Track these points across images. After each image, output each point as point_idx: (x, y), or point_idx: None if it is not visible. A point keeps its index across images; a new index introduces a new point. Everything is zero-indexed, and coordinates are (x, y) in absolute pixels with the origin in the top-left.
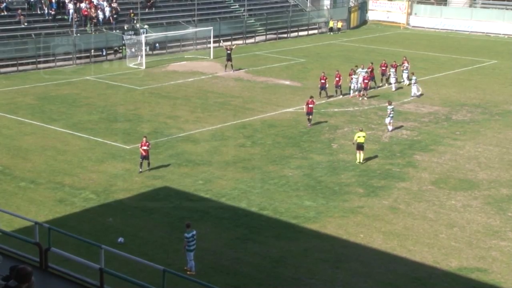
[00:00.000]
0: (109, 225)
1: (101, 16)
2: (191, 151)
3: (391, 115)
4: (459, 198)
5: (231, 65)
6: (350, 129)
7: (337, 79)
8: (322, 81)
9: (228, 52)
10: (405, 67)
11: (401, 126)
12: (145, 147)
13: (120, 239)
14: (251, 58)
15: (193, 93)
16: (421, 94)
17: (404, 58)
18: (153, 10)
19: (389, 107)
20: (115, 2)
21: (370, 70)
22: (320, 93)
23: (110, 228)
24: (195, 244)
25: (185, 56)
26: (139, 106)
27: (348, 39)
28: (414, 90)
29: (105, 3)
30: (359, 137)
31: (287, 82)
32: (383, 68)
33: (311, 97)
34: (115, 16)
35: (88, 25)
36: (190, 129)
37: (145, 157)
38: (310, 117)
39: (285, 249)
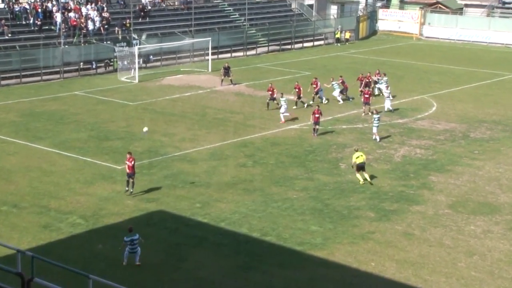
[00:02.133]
0: (98, 252)
1: (91, 26)
2: (188, 172)
3: (375, 124)
4: (479, 223)
5: (231, 80)
6: (360, 147)
7: (314, 85)
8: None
9: (226, 70)
10: (382, 80)
11: (408, 143)
12: (128, 163)
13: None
14: (252, 71)
15: (190, 108)
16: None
17: (377, 71)
18: (147, 20)
19: (375, 115)
20: (106, 11)
21: (341, 82)
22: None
23: (99, 256)
24: (137, 249)
25: (181, 69)
26: (132, 123)
27: (356, 50)
28: (388, 104)
29: (95, 13)
30: (357, 157)
31: (291, 97)
32: (362, 80)
33: (318, 106)
34: (106, 26)
35: (77, 36)
36: (186, 148)
37: (130, 175)
38: (317, 127)
39: (289, 278)
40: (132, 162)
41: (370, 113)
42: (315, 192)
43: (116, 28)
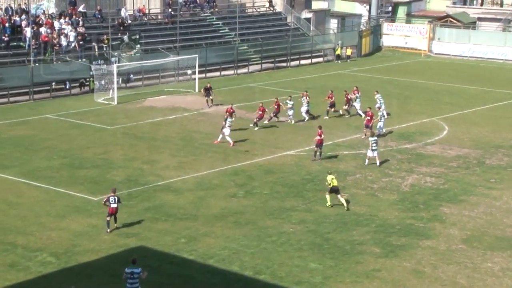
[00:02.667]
0: None
1: (64, 42)
2: (172, 203)
3: (373, 147)
4: (496, 260)
5: (211, 100)
6: (363, 175)
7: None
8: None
9: (207, 90)
10: (355, 97)
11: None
12: (113, 205)
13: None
14: (244, 91)
15: (175, 133)
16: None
17: (355, 88)
18: (127, 35)
19: (372, 138)
20: (82, 26)
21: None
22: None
23: None
24: (136, 285)
25: (165, 89)
26: (110, 149)
27: (359, 68)
28: (381, 124)
29: (69, 27)
30: (332, 179)
31: (288, 120)
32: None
33: (320, 127)
34: (81, 42)
35: (49, 53)
36: (170, 177)
37: (113, 214)
38: (320, 150)
39: None
40: (117, 202)
41: (364, 136)
42: (314, 225)
43: (93, 44)
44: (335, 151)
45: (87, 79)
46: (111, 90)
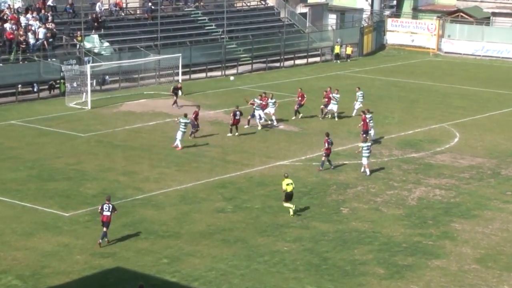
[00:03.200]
0: None
1: (32, 40)
2: (153, 219)
3: (365, 154)
4: None
5: (176, 101)
6: (365, 187)
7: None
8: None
9: (176, 90)
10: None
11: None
12: (106, 213)
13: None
14: (232, 95)
15: (156, 141)
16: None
17: (329, 88)
18: (102, 31)
19: (364, 144)
20: (51, 22)
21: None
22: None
23: None
24: None
25: (145, 93)
26: (83, 159)
27: (360, 69)
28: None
29: (37, 23)
30: (287, 185)
31: (281, 127)
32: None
33: (327, 134)
34: (50, 40)
35: (15, 53)
36: (151, 190)
37: (105, 223)
38: (324, 158)
39: None
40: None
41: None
42: (311, 244)
43: (64, 38)
44: (334, 161)
45: (57, 81)
46: (84, 93)
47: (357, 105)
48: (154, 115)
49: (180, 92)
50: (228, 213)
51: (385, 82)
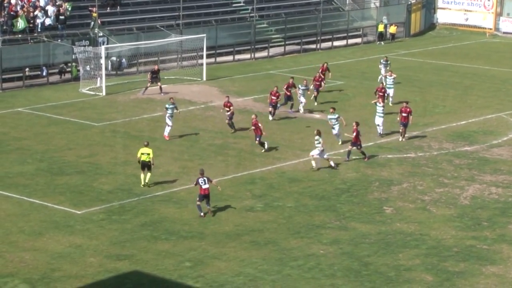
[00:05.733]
0: None
1: (40, 18)
2: (174, 218)
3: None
4: None
5: (160, 87)
6: (412, 184)
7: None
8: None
9: (154, 75)
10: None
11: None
12: (205, 186)
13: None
14: (262, 80)
15: (178, 131)
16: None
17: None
18: (118, 9)
19: (331, 116)
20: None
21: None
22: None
23: None
24: None
25: (165, 77)
26: (97, 151)
27: (407, 51)
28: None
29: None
30: (142, 154)
31: (318, 116)
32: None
33: (357, 124)
34: (61, 17)
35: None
36: (173, 186)
37: (205, 197)
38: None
39: None
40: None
41: (403, 139)
42: (350, 247)
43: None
44: (376, 155)
45: (69, 65)
46: (98, 78)
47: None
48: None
49: (159, 77)
50: (258, 212)
51: (435, 66)
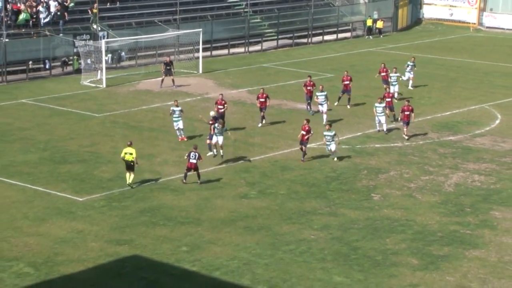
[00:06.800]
0: None
1: (43, 14)
2: (172, 205)
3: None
4: None
5: (172, 80)
6: (398, 172)
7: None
8: (346, 82)
9: (168, 67)
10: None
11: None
12: (193, 160)
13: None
14: (256, 73)
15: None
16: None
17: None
18: (117, 5)
19: (328, 133)
20: None
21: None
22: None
23: None
24: None
25: (163, 70)
26: (98, 140)
27: (394, 45)
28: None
29: None
30: (126, 153)
31: (309, 107)
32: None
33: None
34: (58, 13)
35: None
36: (170, 173)
37: (191, 169)
38: (304, 148)
39: None
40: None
41: (406, 137)
42: (339, 232)
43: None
44: (365, 144)
45: (70, 58)
46: (99, 71)
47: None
48: (173, 94)
49: (173, 69)
50: (252, 199)
51: (421, 60)
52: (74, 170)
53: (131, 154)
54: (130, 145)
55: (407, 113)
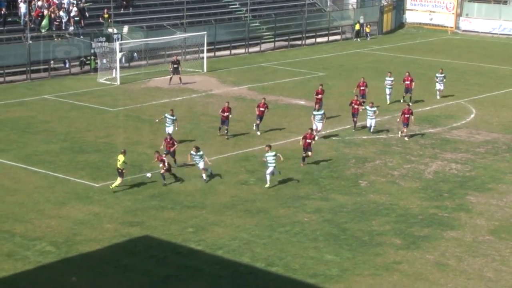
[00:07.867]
0: (72, 286)
1: (64, 18)
2: (179, 190)
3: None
4: None
5: (179, 78)
6: (383, 161)
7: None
8: (362, 88)
9: (176, 67)
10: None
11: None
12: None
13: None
14: (255, 71)
15: (182, 116)
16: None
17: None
18: (130, 10)
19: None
20: (82, 1)
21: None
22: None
23: None
24: None
25: (171, 69)
26: (112, 132)
27: (380, 46)
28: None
29: (68, 1)
30: (118, 160)
31: (302, 102)
32: (407, 82)
33: (311, 129)
34: (76, 18)
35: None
36: (178, 162)
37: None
38: (309, 153)
39: None
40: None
41: (406, 138)
42: (330, 215)
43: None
44: (353, 136)
45: (88, 58)
46: (113, 70)
47: (438, 86)
48: (180, 91)
49: (180, 68)
50: (251, 185)
51: (403, 60)
52: (91, 159)
53: (118, 160)
54: (122, 153)
55: (407, 115)
